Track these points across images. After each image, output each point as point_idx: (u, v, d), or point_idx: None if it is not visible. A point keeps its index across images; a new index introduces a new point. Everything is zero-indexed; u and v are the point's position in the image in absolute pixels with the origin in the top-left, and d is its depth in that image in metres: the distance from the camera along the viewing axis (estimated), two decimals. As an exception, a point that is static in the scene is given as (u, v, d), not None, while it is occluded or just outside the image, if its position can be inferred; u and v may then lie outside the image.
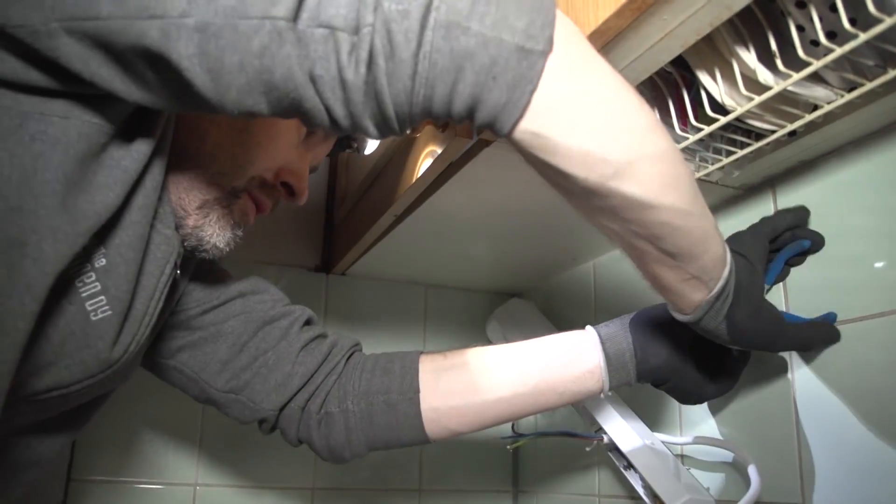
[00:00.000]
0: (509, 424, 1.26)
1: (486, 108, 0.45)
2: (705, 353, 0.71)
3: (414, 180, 0.83)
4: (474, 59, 0.44)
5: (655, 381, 0.72)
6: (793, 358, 0.74)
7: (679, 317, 0.61)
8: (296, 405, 0.76)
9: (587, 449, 0.93)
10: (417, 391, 0.75)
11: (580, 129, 0.47)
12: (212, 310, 0.76)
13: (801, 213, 0.74)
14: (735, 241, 0.68)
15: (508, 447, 1.12)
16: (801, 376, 0.73)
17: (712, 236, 0.56)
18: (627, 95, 0.49)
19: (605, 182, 0.48)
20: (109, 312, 0.55)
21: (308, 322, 0.81)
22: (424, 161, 0.80)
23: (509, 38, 0.44)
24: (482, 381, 0.74)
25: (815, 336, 0.69)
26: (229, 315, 0.76)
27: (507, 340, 1.21)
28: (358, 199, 1.08)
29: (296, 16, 0.43)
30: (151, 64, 0.45)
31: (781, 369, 0.75)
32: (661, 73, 0.65)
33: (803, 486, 0.71)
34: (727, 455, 0.80)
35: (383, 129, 0.47)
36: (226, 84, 0.45)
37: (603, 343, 0.72)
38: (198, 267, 0.77)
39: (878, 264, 0.67)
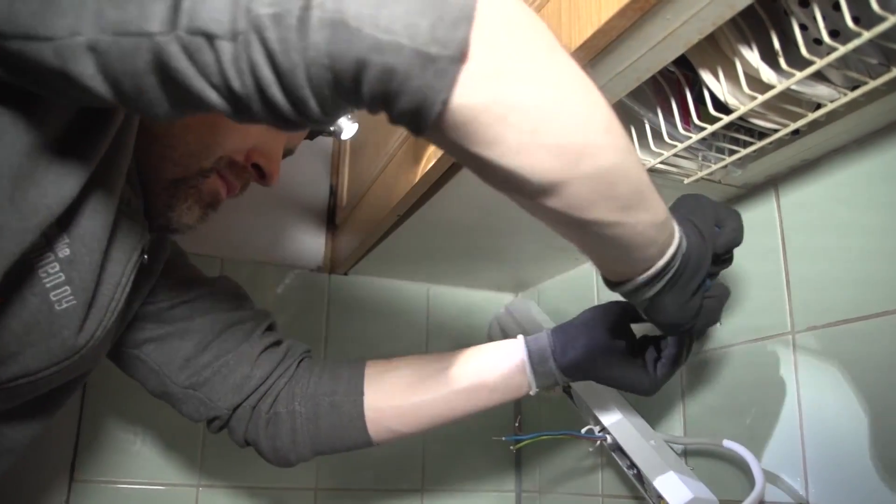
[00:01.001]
0: (513, 425, 1.26)
1: (395, 114, 0.42)
2: (634, 340, 0.74)
3: (417, 180, 0.83)
4: (368, 68, 0.38)
5: (584, 374, 0.74)
6: (797, 357, 0.74)
7: (605, 281, 0.61)
8: (248, 405, 0.78)
9: (590, 449, 0.93)
10: (362, 393, 0.77)
11: (502, 149, 0.42)
12: (181, 304, 0.77)
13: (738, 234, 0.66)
14: (692, 208, 0.63)
15: (512, 447, 1.12)
16: (806, 376, 0.73)
17: (647, 241, 0.53)
18: (569, 107, 0.44)
19: (526, 199, 0.47)
20: (74, 302, 0.55)
21: (270, 328, 0.83)
22: (427, 160, 0.80)
23: (408, 42, 0.38)
24: (420, 381, 0.78)
25: (714, 317, 0.67)
26: (197, 312, 0.78)
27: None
28: (360, 198, 1.08)
29: (174, 24, 0.39)
30: (63, 79, 0.43)
31: (786, 369, 0.75)
32: (663, 72, 0.65)
33: (807, 485, 0.71)
34: (731, 455, 0.80)
35: (301, 127, 0.44)
36: (133, 99, 0.43)
37: (527, 343, 0.76)
38: (170, 262, 0.78)
39: (881, 264, 0.67)
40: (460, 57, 0.39)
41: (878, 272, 0.67)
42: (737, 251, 0.86)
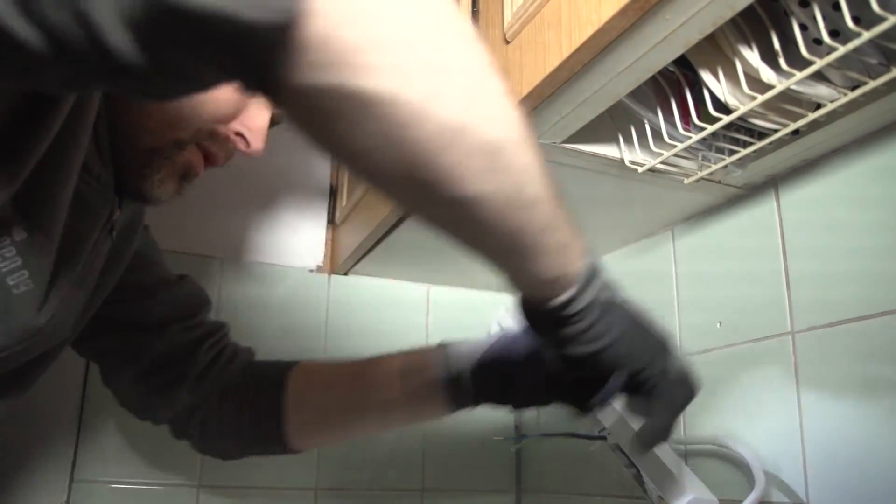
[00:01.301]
0: (513, 425, 1.26)
1: (237, 83, 0.36)
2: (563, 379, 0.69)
3: (416, 180, 0.82)
4: (182, 38, 0.32)
5: (498, 403, 0.74)
6: (797, 358, 0.74)
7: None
8: (183, 416, 0.82)
9: (591, 449, 0.93)
10: (281, 410, 0.79)
11: (344, 146, 0.36)
12: (141, 311, 0.78)
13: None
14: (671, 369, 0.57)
15: (512, 448, 1.12)
16: (806, 377, 0.73)
17: (520, 281, 0.51)
18: (437, 115, 0.35)
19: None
20: (32, 286, 0.54)
21: (220, 339, 0.84)
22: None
23: (217, 3, 0.30)
24: (341, 405, 0.79)
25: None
26: (153, 324, 0.79)
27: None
28: (360, 198, 1.08)
29: None
30: None
31: (786, 369, 0.75)
32: (663, 72, 0.65)
33: (807, 485, 0.71)
34: (731, 455, 0.80)
35: (173, 96, 0.38)
36: None
37: (447, 391, 0.73)
38: (138, 255, 0.77)
39: (881, 264, 0.67)
40: (291, 21, 0.31)
41: (878, 272, 0.67)
42: (738, 252, 0.86)
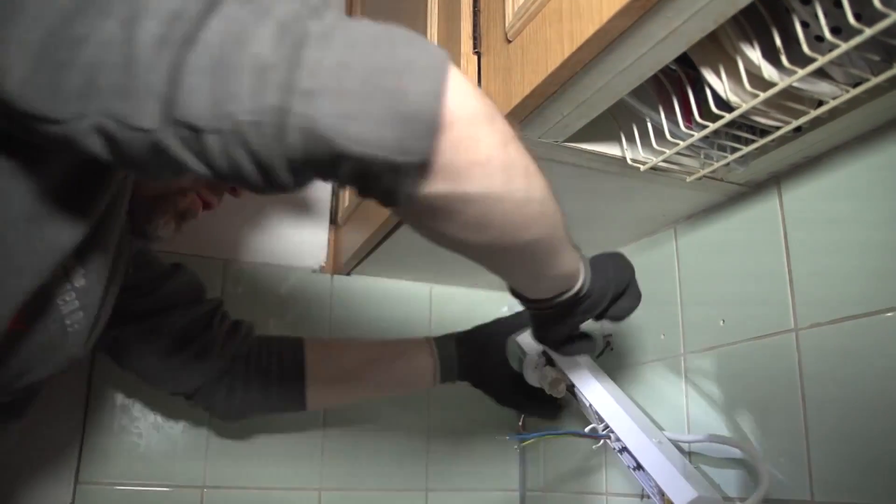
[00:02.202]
0: (517, 424, 1.26)
1: (365, 195, 0.47)
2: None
3: (418, 180, 0.83)
4: (341, 167, 0.42)
5: (474, 383, 1.03)
6: (801, 355, 0.74)
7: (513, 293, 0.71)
8: (210, 384, 0.92)
9: (594, 447, 0.93)
10: (303, 369, 0.96)
11: (452, 227, 0.50)
12: (150, 302, 0.87)
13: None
14: (618, 268, 0.74)
15: (516, 446, 1.12)
16: (810, 373, 0.73)
17: (551, 284, 0.65)
18: (512, 198, 0.49)
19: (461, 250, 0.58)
20: (85, 323, 0.61)
21: (224, 313, 0.96)
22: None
23: (378, 153, 0.41)
24: (349, 369, 1.00)
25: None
26: (161, 311, 0.87)
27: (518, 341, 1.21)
28: (362, 198, 1.08)
29: (167, 120, 0.41)
30: (71, 145, 0.44)
31: (790, 367, 0.75)
32: (665, 70, 0.65)
33: (812, 482, 0.71)
34: (736, 452, 0.80)
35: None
36: (140, 168, 0.46)
37: (441, 366, 1.01)
38: (138, 262, 0.83)
39: (885, 261, 0.67)
40: (424, 162, 0.43)
41: (881, 269, 0.67)
42: (741, 249, 0.86)
